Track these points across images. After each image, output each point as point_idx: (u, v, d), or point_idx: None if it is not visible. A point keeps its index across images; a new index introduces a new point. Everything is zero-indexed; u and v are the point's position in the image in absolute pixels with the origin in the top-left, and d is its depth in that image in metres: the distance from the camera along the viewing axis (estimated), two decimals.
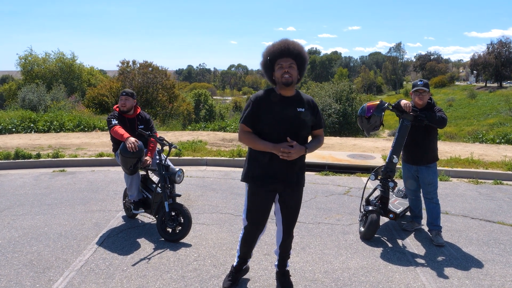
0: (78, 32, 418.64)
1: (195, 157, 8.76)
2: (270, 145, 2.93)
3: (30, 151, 9.17)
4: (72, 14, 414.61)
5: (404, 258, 4.10)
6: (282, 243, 3.33)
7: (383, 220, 5.09)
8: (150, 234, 4.62)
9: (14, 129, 13.84)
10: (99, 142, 11.00)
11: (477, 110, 55.96)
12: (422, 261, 4.06)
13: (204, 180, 7.13)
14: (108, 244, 4.31)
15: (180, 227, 4.41)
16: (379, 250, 4.28)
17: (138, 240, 4.45)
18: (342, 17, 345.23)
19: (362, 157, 8.88)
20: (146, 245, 4.30)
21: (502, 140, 13.86)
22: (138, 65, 29.74)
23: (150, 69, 29.32)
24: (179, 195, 4.58)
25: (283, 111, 2.99)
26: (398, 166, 5.35)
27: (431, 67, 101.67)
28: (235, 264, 3.49)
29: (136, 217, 5.13)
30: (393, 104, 4.54)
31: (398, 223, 5.07)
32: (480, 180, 7.40)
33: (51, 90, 25.48)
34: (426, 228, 4.79)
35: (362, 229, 4.60)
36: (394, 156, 4.51)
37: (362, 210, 4.77)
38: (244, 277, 3.61)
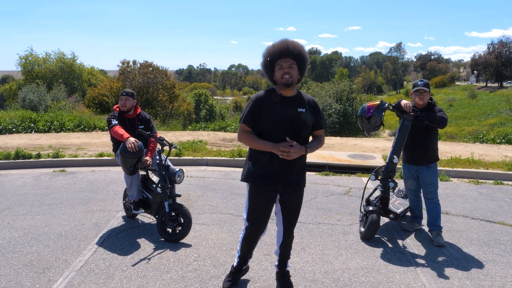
0: (78, 32, 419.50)
1: (196, 157, 8.75)
2: (270, 145, 2.93)
3: (31, 151, 9.17)
4: (72, 14, 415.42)
5: (404, 259, 4.10)
6: (282, 243, 3.33)
7: (384, 220, 5.09)
8: (150, 234, 4.61)
9: (14, 129, 13.84)
10: (100, 142, 10.99)
11: (478, 110, 55.93)
12: (423, 261, 4.05)
13: (204, 180, 7.13)
14: (108, 244, 4.30)
15: (180, 227, 4.40)
16: (379, 251, 4.27)
17: (138, 240, 4.44)
18: (342, 17, 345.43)
19: (363, 157, 8.88)
20: (146, 245, 4.30)
21: (503, 140, 13.84)
22: (139, 65, 29.75)
23: (151, 69, 29.33)
24: (179, 195, 4.57)
25: (284, 111, 2.98)
26: (398, 166, 5.34)
27: (432, 67, 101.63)
28: (235, 264, 3.48)
29: (136, 217, 5.13)
30: (393, 104, 4.53)
31: (398, 224, 5.07)
32: (480, 180, 7.39)
33: (52, 90, 25.48)
34: (426, 229, 4.78)
35: (363, 229, 4.60)
36: (395, 156, 4.50)
37: (363, 210, 4.76)
38: (244, 277, 3.60)
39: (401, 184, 5.46)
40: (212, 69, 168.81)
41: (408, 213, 5.17)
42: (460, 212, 5.60)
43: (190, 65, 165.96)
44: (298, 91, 3.12)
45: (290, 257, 3.47)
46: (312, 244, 4.39)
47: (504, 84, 77.38)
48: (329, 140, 12.15)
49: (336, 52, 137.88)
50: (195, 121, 29.48)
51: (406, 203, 5.14)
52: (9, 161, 8.31)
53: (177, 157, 8.63)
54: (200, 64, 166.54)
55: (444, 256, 4.18)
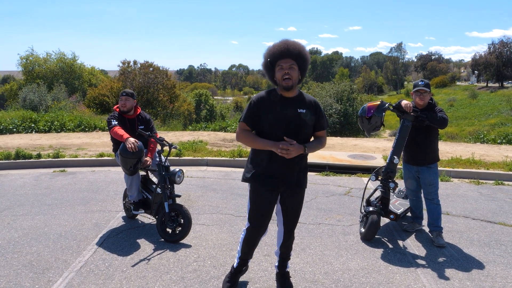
0: (78, 32, 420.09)
1: (196, 157, 8.75)
2: (270, 143, 2.93)
3: (31, 151, 9.17)
4: (72, 14, 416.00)
5: (404, 259, 4.09)
6: (282, 244, 3.32)
7: (384, 221, 5.08)
8: (150, 234, 4.61)
9: (15, 129, 13.84)
10: (100, 142, 10.99)
11: (478, 110, 55.88)
12: (423, 262, 4.04)
13: (204, 181, 7.12)
14: (108, 245, 4.30)
15: (180, 228, 4.40)
16: (379, 251, 4.26)
17: (138, 240, 4.44)
18: (343, 17, 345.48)
19: (363, 158, 8.87)
20: (146, 246, 4.29)
21: (504, 141, 13.81)
22: (139, 65, 29.78)
23: (151, 69, 29.35)
24: (179, 196, 4.57)
25: (284, 111, 2.98)
26: (399, 166, 5.33)
27: (432, 67, 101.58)
28: (235, 265, 3.47)
29: (136, 217, 5.12)
30: (394, 105, 4.52)
31: (398, 224, 5.05)
32: (481, 181, 7.37)
33: (52, 90, 25.49)
34: (427, 229, 4.77)
35: (363, 230, 4.59)
36: (395, 157, 4.49)
37: (363, 210, 4.75)
38: (244, 278, 3.60)
39: (401, 184, 5.45)
40: (213, 69, 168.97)
41: (409, 214, 5.16)
42: (460, 212, 5.59)
43: (190, 65, 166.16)
44: (299, 92, 3.11)
45: (290, 258, 3.46)
46: (312, 245, 4.39)
47: (505, 84, 77.33)
48: (329, 140, 12.14)
49: (336, 52, 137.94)
50: (195, 121, 29.49)
51: (406, 203, 5.13)
52: (9, 161, 8.31)
53: (177, 157, 8.63)
54: (201, 64, 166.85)
55: (444, 256, 4.17)
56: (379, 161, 8.40)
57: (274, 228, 4.28)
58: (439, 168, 5.44)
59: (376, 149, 10.50)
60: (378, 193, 4.77)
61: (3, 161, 8.25)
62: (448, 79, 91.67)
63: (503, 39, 77.90)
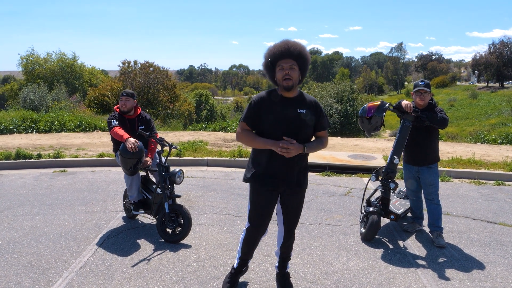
0: (78, 32, 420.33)
1: (196, 158, 8.74)
2: (270, 142, 2.93)
3: (31, 151, 9.17)
4: (72, 14, 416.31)
5: (405, 260, 4.08)
6: (283, 244, 3.32)
7: (384, 221, 5.07)
8: (150, 235, 4.60)
9: (15, 129, 13.85)
10: (100, 142, 10.99)
11: (479, 110, 55.86)
12: (423, 262, 4.04)
13: (204, 181, 7.12)
14: (108, 245, 4.29)
15: (180, 228, 4.39)
16: (380, 252, 4.26)
17: (138, 241, 4.43)
18: (343, 17, 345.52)
19: (363, 158, 8.86)
20: (146, 246, 4.29)
21: (504, 141, 13.80)
22: (140, 65, 29.77)
23: (152, 69, 29.35)
24: (179, 196, 4.57)
25: (283, 111, 2.98)
26: (399, 166, 5.33)
27: (433, 67, 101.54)
28: (235, 265, 3.47)
29: (136, 218, 5.12)
30: (394, 105, 4.52)
31: (399, 224, 5.05)
32: (481, 181, 7.37)
33: (53, 90, 25.49)
34: (427, 229, 4.76)
35: (363, 230, 4.58)
36: (395, 157, 4.49)
37: (363, 211, 4.75)
38: (244, 278, 3.59)
39: (401, 185, 5.44)
40: (213, 69, 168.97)
41: (409, 214, 5.16)
42: (461, 212, 5.58)
43: (191, 65, 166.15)
44: (300, 92, 3.11)
45: (290, 259, 3.46)
46: (312, 245, 4.38)
47: (505, 84, 77.30)
48: (330, 140, 12.09)
49: (337, 52, 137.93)
50: (195, 121, 29.49)
51: (406, 204, 5.13)
52: (9, 161, 8.31)
53: (177, 158, 8.62)
54: (201, 64, 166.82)
55: (445, 257, 4.17)
56: (380, 161, 8.40)
57: (274, 229, 4.27)
58: (439, 168, 5.43)
59: (377, 149, 10.49)
60: (378, 194, 4.76)
61: (3, 161, 8.25)
62: (449, 79, 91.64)
63: (504, 39, 77.92)
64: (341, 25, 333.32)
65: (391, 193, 4.90)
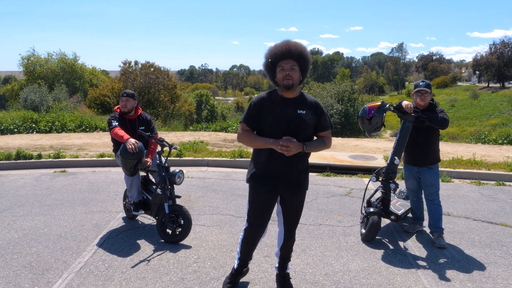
0: (78, 32, 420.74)
1: (196, 158, 8.74)
2: (270, 141, 2.93)
3: (32, 151, 9.17)
4: (72, 14, 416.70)
5: (405, 260, 4.07)
6: (283, 245, 3.31)
7: (385, 221, 5.06)
8: (150, 235, 4.60)
9: (16, 130, 13.85)
10: (101, 142, 10.99)
11: (480, 110, 55.78)
12: (424, 263, 4.02)
13: (205, 181, 7.11)
14: (108, 246, 4.29)
15: (180, 229, 4.39)
16: (380, 252, 4.25)
17: (138, 241, 4.43)
18: (344, 18, 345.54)
19: (364, 158, 8.85)
20: (145, 247, 4.28)
21: (505, 141, 13.78)
22: (140, 66, 29.78)
23: (152, 69, 29.37)
24: (179, 197, 4.56)
25: (283, 112, 2.98)
26: (399, 167, 5.31)
27: (433, 68, 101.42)
28: (235, 266, 3.46)
29: (136, 218, 5.11)
30: (394, 105, 4.51)
31: (399, 225, 5.04)
32: (482, 181, 7.35)
33: (53, 90, 25.51)
34: (427, 230, 4.75)
35: (363, 231, 4.57)
36: (396, 158, 4.48)
37: (363, 211, 4.74)
38: (244, 279, 3.58)
39: (402, 185, 5.43)
40: (214, 69, 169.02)
41: (409, 215, 5.15)
42: (461, 213, 5.57)
43: (192, 65, 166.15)
44: (300, 93, 3.10)
45: (290, 259, 3.45)
46: (312, 246, 4.37)
47: (506, 84, 77.16)
48: None
49: (337, 53, 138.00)
50: (196, 121, 29.52)
51: (407, 204, 5.12)
52: (10, 161, 8.31)
53: (178, 158, 8.62)
54: (202, 65, 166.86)
55: (445, 258, 4.16)
56: (380, 162, 8.38)
57: (274, 229, 4.27)
58: (440, 169, 5.43)
59: (377, 149, 10.48)
60: (379, 194, 4.75)
61: (3, 162, 8.25)
62: (449, 79, 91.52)
63: (504, 40, 77.72)
64: (342, 25, 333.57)
65: (392, 194, 4.89)
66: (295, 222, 3.25)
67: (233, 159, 8.64)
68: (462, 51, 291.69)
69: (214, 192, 6.39)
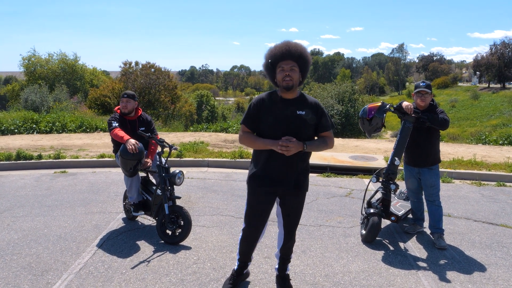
0: (78, 32, 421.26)
1: (197, 158, 8.73)
2: (270, 141, 2.92)
3: (32, 152, 9.17)
4: (72, 14, 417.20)
5: (406, 262, 4.06)
6: (283, 246, 3.31)
7: (385, 222, 5.05)
8: (150, 236, 4.59)
9: (16, 130, 13.86)
10: (101, 143, 10.99)
11: (480, 111, 55.73)
12: (424, 264, 4.01)
13: (205, 182, 7.10)
14: (108, 247, 4.28)
15: (180, 230, 4.38)
16: (380, 253, 4.24)
17: (138, 242, 4.42)
18: (344, 18, 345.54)
19: (364, 159, 8.84)
20: (145, 248, 4.27)
21: (505, 142, 13.77)
22: (141, 66, 29.79)
23: (153, 70, 29.38)
24: (179, 198, 4.55)
25: (284, 112, 2.97)
26: (400, 168, 5.30)
27: (434, 68, 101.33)
28: (235, 267, 3.46)
29: (136, 219, 5.11)
30: (395, 106, 4.50)
31: (400, 226, 5.03)
32: (483, 182, 7.34)
33: (54, 91, 25.51)
34: (428, 231, 4.74)
35: (364, 231, 4.56)
36: (396, 158, 4.47)
37: (364, 212, 4.73)
38: (244, 280, 3.58)
39: (402, 186, 5.42)
40: (215, 70, 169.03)
41: (410, 216, 5.14)
42: (462, 214, 5.56)
43: (192, 66, 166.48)
44: (300, 93, 3.10)
45: (290, 261, 3.44)
46: (312, 247, 4.36)
47: (507, 85, 77.04)
48: None
49: (338, 53, 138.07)
50: (197, 122, 29.55)
51: (407, 205, 5.11)
52: (10, 162, 8.31)
53: (178, 159, 8.61)
54: (203, 65, 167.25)
55: (446, 259, 4.15)
56: (381, 162, 8.37)
57: (274, 230, 4.26)
58: (440, 170, 5.42)
59: (378, 150, 10.47)
60: (379, 195, 4.74)
61: (4, 162, 8.25)
62: (450, 80, 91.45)
63: (505, 40, 77.54)
64: (343, 26, 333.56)
65: (392, 195, 4.88)
66: (295, 223, 3.24)
67: (233, 159, 8.63)
68: (463, 51, 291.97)
69: (214, 193, 6.38)
